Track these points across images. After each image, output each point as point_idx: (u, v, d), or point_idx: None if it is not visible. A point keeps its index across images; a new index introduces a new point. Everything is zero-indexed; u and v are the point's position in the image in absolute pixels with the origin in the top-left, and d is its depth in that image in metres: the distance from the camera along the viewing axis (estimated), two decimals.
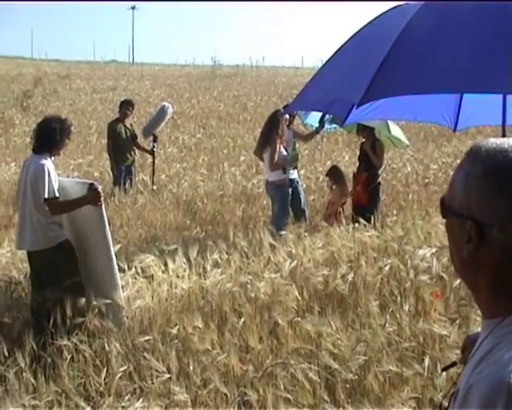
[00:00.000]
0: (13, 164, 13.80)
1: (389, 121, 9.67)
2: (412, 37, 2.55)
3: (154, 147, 11.75)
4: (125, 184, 11.18)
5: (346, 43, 2.98)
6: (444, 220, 1.48)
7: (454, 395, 1.45)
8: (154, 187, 11.63)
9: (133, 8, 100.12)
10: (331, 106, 3.32)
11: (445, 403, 1.76)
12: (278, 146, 8.40)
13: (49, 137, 5.93)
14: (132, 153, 11.84)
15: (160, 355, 4.65)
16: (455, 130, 3.73)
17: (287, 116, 8.65)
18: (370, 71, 2.38)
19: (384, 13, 3.02)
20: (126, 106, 11.92)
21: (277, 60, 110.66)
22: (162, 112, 11.87)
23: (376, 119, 3.67)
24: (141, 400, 4.12)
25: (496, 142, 1.40)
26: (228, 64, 49.14)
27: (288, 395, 3.96)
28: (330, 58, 2.93)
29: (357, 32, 3.01)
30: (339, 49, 2.96)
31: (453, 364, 2.31)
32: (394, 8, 3.04)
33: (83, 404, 4.19)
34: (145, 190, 11.41)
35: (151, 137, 11.84)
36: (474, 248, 1.37)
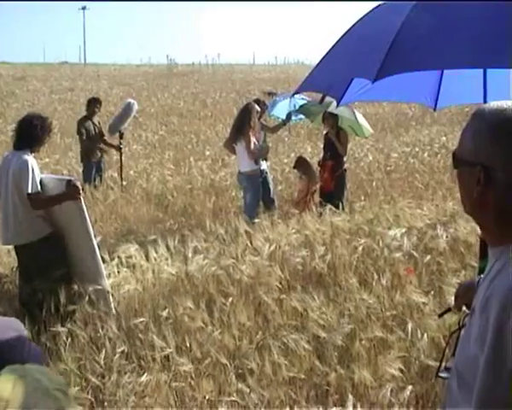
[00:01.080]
0: None
1: (355, 110, 10.04)
2: (426, 9, 2.76)
3: (120, 143, 11.91)
4: (95, 180, 11.36)
5: (350, 29, 3.21)
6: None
7: (470, 314, 1.75)
8: (124, 183, 11.78)
9: (84, 8, 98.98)
10: (331, 87, 3.56)
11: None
12: (252, 137, 8.69)
13: (31, 133, 6.05)
14: (100, 149, 12.01)
15: (155, 335, 4.85)
16: (435, 109, 4.01)
17: (258, 108, 8.97)
18: (384, 46, 2.61)
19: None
20: (94, 103, 12.15)
21: (231, 57, 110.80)
22: (128, 108, 12.00)
23: (367, 100, 3.87)
24: (145, 374, 4.35)
25: (496, 104, 1.76)
26: (183, 63, 49.07)
27: (285, 361, 4.24)
28: (337, 42, 3.18)
29: (361, 18, 3.22)
30: (344, 34, 3.19)
31: (448, 309, 2.60)
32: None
33: (93, 379, 4.39)
34: (115, 186, 11.57)
35: (117, 134, 12.00)
36: (482, 188, 1.69)
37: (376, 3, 3.33)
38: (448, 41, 2.70)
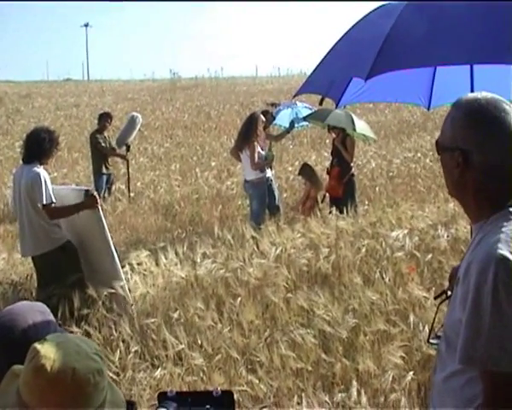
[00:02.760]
0: None
1: (355, 118, 10.20)
2: (416, 10, 2.94)
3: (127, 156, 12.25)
4: (105, 192, 11.62)
5: (346, 33, 3.40)
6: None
7: (455, 284, 1.96)
8: (132, 194, 12.03)
9: (86, 25, 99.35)
10: (330, 89, 3.74)
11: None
12: (256, 146, 8.91)
13: (39, 146, 6.20)
14: (110, 161, 12.28)
15: (167, 334, 5.03)
16: (428, 108, 4.20)
17: (263, 118, 9.20)
18: (376, 47, 2.78)
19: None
20: (105, 118, 12.53)
21: (234, 71, 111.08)
22: (132, 121, 12.35)
23: (363, 101, 4.00)
24: (159, 369, 4.54)
25: (472, 94, 1.99)
26: (186, 76, 49.30)
27: (292, 354, 4.43)
28: (333, 46, 3.37)
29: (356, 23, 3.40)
30: (340, 38, 3.38)
31: (443, 291, 2.80)
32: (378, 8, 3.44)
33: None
34: (123, 198, 11.81)
35: (124, 147, 12.29)
36: (461, 170, 1.91)
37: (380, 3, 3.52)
38: (435, 39, 2.88)
